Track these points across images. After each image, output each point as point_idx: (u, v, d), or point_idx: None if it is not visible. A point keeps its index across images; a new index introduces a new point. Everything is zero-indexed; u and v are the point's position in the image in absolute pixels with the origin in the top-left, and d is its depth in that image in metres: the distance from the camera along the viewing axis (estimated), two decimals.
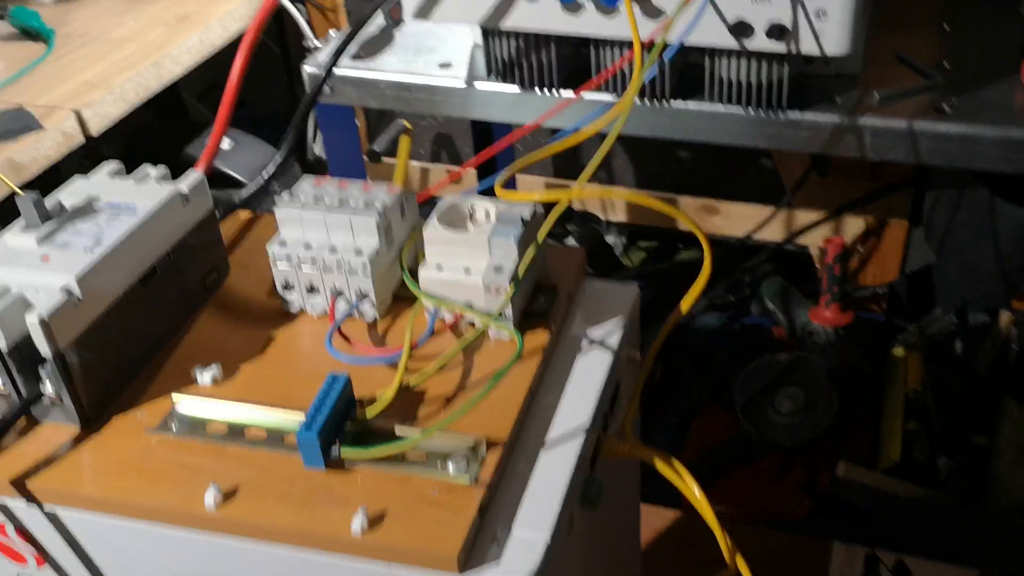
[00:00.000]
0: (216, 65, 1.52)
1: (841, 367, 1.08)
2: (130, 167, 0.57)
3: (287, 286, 0.53)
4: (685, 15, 0.66)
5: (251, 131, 1.53)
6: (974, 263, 0.91)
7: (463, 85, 0.81)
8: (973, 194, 0.89)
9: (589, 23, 0.70)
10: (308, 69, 0.87)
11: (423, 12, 0.74)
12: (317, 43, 0.93)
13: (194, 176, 0.54)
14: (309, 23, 1.40)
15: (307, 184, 0.54)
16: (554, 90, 0.78)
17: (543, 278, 0.54)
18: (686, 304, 0.57)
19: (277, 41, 1.49)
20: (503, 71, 0.78)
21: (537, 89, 0.78)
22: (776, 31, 0.65)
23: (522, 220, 0.50)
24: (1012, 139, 0.70)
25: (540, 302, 0.53)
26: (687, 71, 0.76)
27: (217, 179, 1.39)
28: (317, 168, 1.40)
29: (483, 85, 0.80)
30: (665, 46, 0.63)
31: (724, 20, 0.67)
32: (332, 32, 0.93)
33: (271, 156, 0.74)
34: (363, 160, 0.91)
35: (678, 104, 0.76)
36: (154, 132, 1.42)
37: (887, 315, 1.26)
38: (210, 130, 1.45)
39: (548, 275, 0.55)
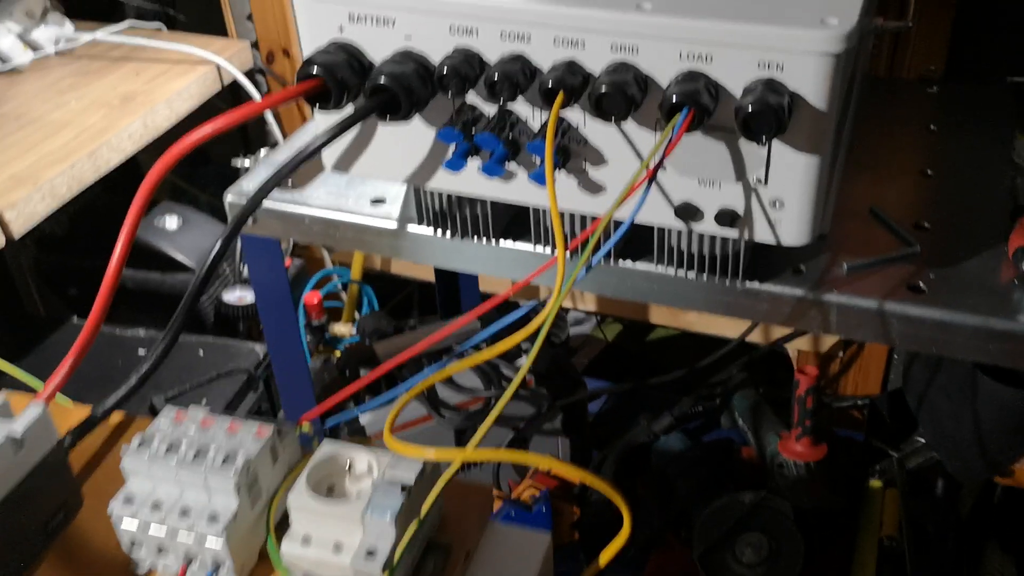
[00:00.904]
0: (186, 124, 1.45)
1: (811, 507, 1.00)
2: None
3: (135, 544, 0.46)
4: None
5: (217, 186, 1.46)
6: (952, 432, 0.83)
7: (394, 226, 0.74)
8: (953, 362, 0.82)
9: (521, 191, 0.62)
10: (230, 198, 0.79)
11: (341, 165, 0.66)
12: (246, 162, 0.86)
13: (33, 412, 0.46)
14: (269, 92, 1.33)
15: (165, 421, 0.46)
16: (491, 240, 0.70)
17: (436, 534, 0.47)
18: (604, 559, 0.49)
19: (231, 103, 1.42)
20: (435, 220, 0.71)
21: (473, 238, 0.71)
22: (727, 217, 0.58)
23: (404, 489, 0.43)
24: (993, 330, 0.63)
25: (429, 568, 0.45)
26: (635, 230, 0.69)
27: (162, 264, 1.32)
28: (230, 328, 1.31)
29: (416, 228, 0.73)
30: (596, 247, 0.56)
31: (669, 201, 0.59)
32: (263, 151, 0.85)
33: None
34: (290, 293, 0.83)
35: (625, 264, 0.68)
36: (103, 209, 1.34)
37: (866, 435, 1.18)
38: (167, 206, 1.38)
39: (444, 527, 0.47)
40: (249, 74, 1.35)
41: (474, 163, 0.61)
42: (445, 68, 0.56)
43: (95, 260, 1.20)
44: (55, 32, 1.30)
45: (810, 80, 0.52)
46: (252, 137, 1.44)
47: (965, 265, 0.68)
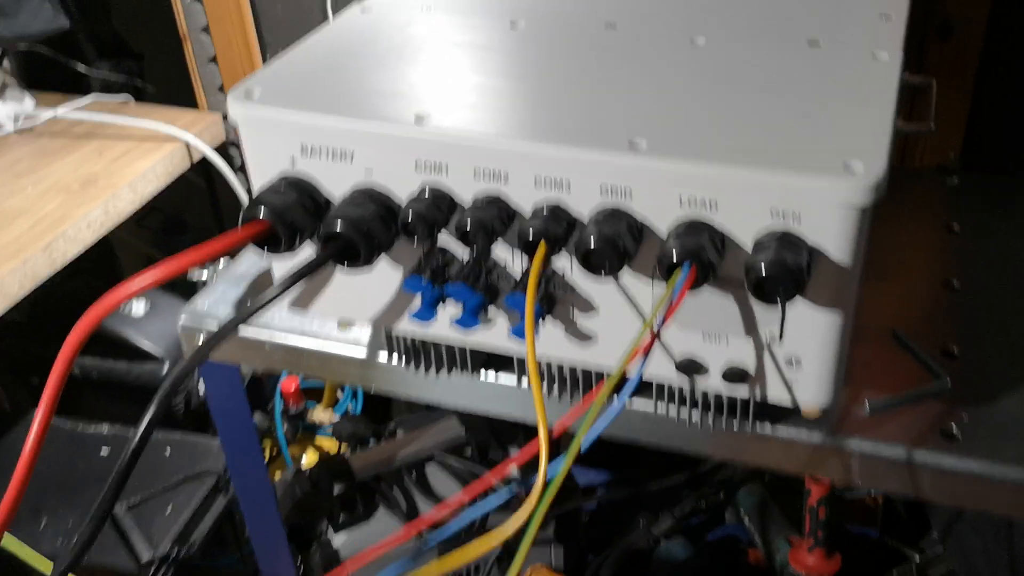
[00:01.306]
0: (153, 204, 1.38)
1: None
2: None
3: None
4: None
5: None
6: (984, 570, 0.76)
7: (363, 355, 0.67)
8: None
9: (501, 339, 0.55)
10: (183, 320, 0.72)
11: (299, 303, 0.59)
12: (203, 273, 0.79)
13: None
14: (242, 169, 1.26)
15: None
16: (471, 374, 0.63)
17: None
18: None
19: (205, 178, 1.34)
20: (407, 354, 0.63)
21: (450, 372, 0.63)
22: (736, 375, 0.51)
23: None
24: None
25: None
26: None
27: (128, 353, 1.25)
28: (201, 421, 1.23)
29: (387, 358, 0.66)
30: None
31: (670, 355, 0.52)
32: (222, 262, 0.78)
33: None
34: (252, 420, 0.76)
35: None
36: (65, 293, 1.27)
37: (881, 532, 1.10)
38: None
39: None
40: (222, 148, 1.29)
41: (447, 311, 0.54)
42: (410, 213, 0.49)
43: (57, 348, 1.12)
44: (14, 109, 1.22)
45: (832, 234, 0.45)
46: (223, 203, 1.37)
47: (1002, 402, 0.60)
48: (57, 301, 1.31)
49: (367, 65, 0.55)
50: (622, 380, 0.47)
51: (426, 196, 0.49)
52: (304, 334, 0.69)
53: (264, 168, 0.53)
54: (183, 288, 1.33)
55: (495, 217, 0.48)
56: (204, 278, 0.91)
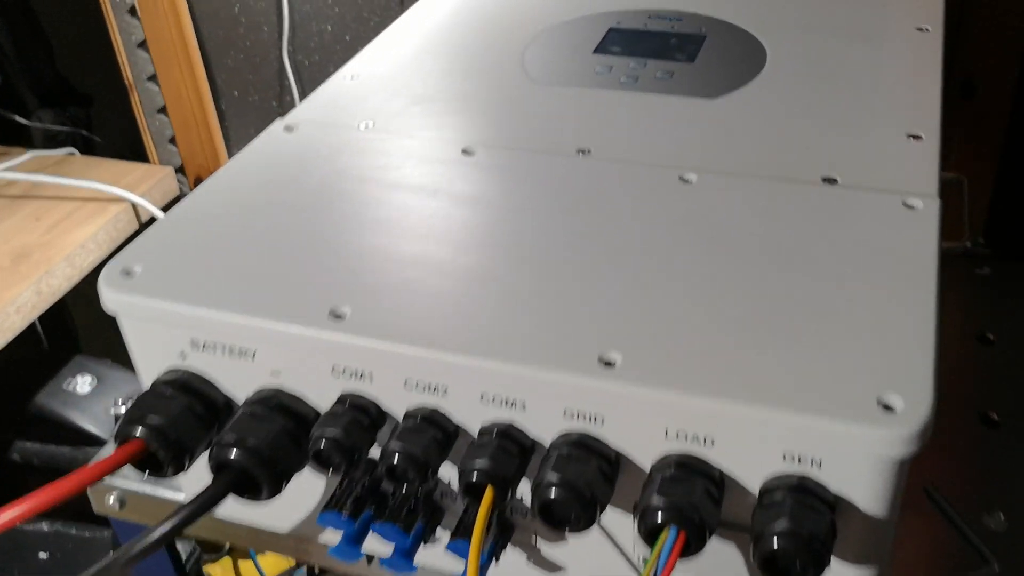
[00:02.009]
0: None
1: None
2: None
3: None
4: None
5: None
6: None
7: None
8: None
9: (447, 562, 0.45)
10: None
11: None
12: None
13: None
14: None
15: None
16: None
17: None
18: None
19: None
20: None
21: None
22: None
23: None
24: None
25: None
26: None
27: (72, 436, 1.14)
28: None
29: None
30: None
31: None
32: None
33: None
34: None
35: None
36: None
37: None
38: (79, 364, 1.20)
39: None
40: (176, 203, 1.18)
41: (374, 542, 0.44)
42: (322, 442, 0.38)
43: None
44: None
45: (863, 486, 0.35)
46: None
47: None
48: None
49: (278, 226, 0.45)
50: None
51: (345, 410, 0.39)
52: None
53: (151, 362, 0.43)
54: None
55: (431, 442, 0.38)
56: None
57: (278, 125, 0.54)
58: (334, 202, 0.46)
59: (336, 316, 0.39)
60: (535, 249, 0.42)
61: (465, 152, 0.50)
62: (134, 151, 1.19)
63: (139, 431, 0.39)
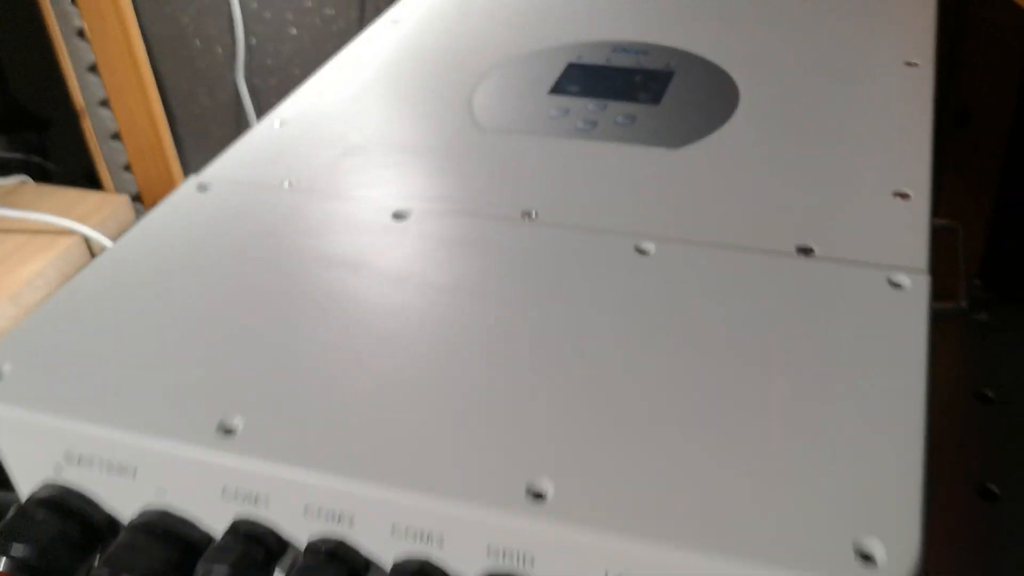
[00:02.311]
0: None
1: None
2: None
3: None
4: None
5: None
6: None
7: None
8: None
9: None
10: None
11: None
12: None
13: None
14: None
15: None
16: None
17: None
18: None
19: None
20: None
21: None
22: None
23: None
24: None
25: None
26: None
27: None
28: None
29: None
30: None
31: None
32: None
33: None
34: None
35: None
36: None
37: None
38: None
39: None
40: None
41: None
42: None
43: None
44: None
45: None
46: None
47: None
48: None
49: (170, 318, 0.39)
50: None
51: (236, 542, 0.34)
52: None
53: (25, 472, 0.37)
54: None
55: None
56: None
57: (192, 183, 0.48)
58: (238, 286, 0.41)
59: (225, 431, 0.34)
60: (462, 347, 0.37)
61: (396, 217, 0.45)
62: (89, 178, 1.13)
63: (4, 564, 0.34)
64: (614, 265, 0.41)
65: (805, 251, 0.41)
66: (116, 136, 1.09)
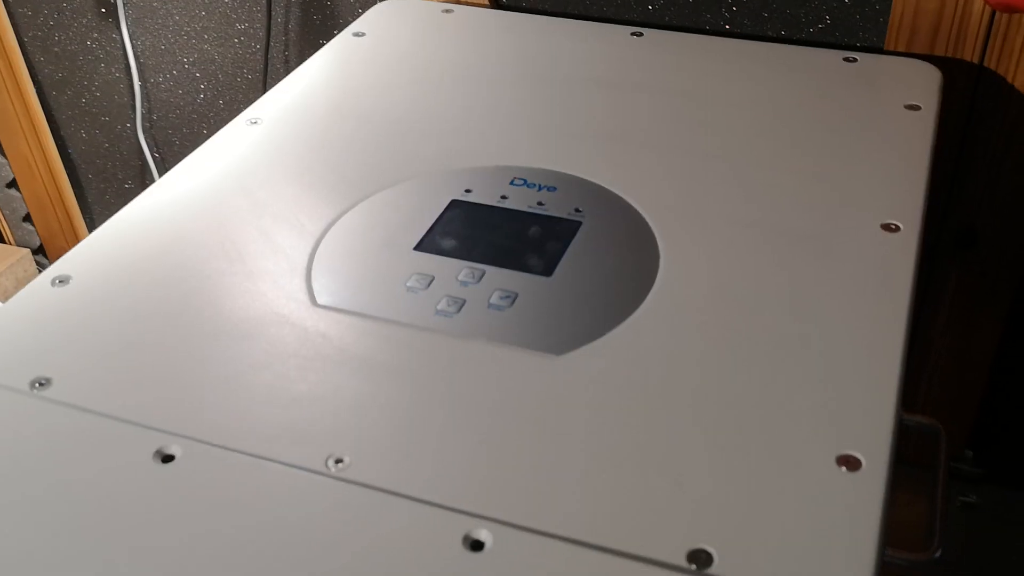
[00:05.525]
0: None
1: None
2: None
3: None
4: None
5: None
6: None
7: None
8: None
9: None
10: None
11: None
12: None
13: None
14: None
15: None
16: None
17: None
18: None
19: None
20: None
21: None
22: None
23: None
24: None
25: None
26: None
27: None
28: None
29: None
30: None
31: None
32: None
33: None
34: None
35: None
36: None
37: None
38: None
39: None
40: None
41: None
42: None
43: None
44: None
45: None
46: None
47: None
48: None
49: None
50: None
51: None
52: None
53: None
54: None
55: None
56: None
57: (45, 278, 0.37)
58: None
59: None
60: None
61: (160, 457, 0.33)
62: None
63: None
64: (432, 569, 0.29)
65: (699, 558, 0.29)
66: (12, 184, 0.97)
